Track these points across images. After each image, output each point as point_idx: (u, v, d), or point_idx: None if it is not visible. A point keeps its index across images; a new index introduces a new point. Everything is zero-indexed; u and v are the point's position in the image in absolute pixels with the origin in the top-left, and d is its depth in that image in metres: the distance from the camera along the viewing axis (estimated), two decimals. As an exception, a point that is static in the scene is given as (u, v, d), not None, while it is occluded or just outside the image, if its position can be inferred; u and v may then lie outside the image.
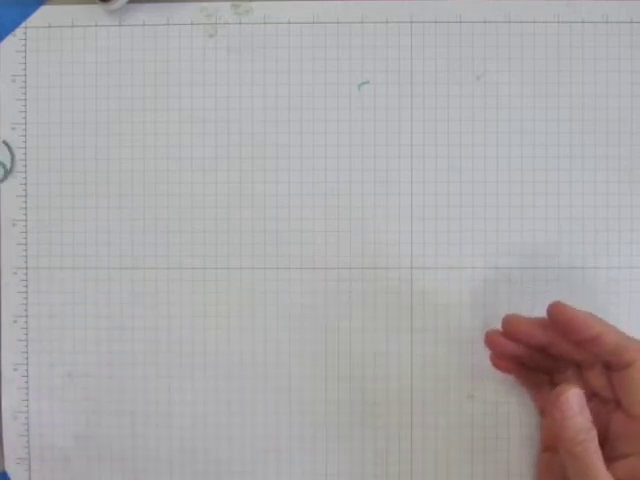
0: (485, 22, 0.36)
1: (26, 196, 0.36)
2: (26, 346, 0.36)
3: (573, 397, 0.29)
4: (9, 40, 0.36)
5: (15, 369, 0.36)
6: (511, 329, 0.33)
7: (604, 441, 0.30)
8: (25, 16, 0.36)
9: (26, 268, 0.36)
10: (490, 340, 0.33)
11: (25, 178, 0.36)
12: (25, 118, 0.36)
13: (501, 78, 0.36)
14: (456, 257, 0.36)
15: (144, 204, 0.36)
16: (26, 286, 0.36)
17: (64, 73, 0.36)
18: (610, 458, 0.29)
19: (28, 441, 0.36)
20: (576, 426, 0.28)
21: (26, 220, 0.36)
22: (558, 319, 0.31)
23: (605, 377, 0.31)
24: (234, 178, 0.36)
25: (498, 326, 0.34)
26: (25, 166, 0.36)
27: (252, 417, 0.36)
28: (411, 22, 0.36)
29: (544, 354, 0.33)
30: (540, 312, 0.35)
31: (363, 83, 0.36)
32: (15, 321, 0.36)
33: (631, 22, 0.35)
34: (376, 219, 0.36)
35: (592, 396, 0.31)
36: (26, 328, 0.36)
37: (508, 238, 0.36)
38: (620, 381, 0.30)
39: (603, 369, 0.31)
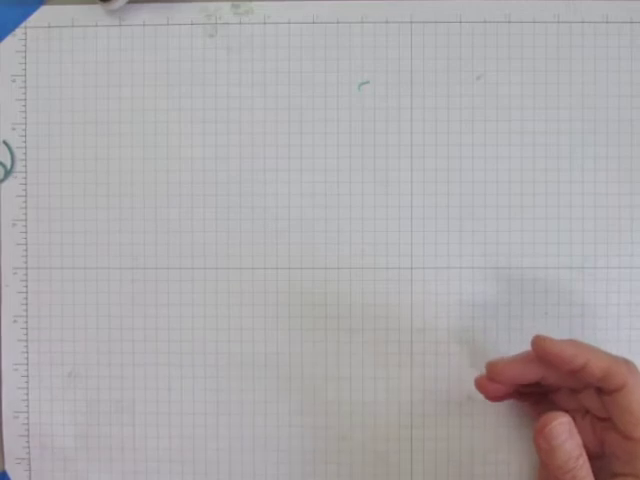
0: (485, 22, 0.36)
1: (26, 196, 0.36)
2: (26, 346, 0.36)
3: (559, 426, 0.28)
4: (9, 40, 0.36)
5: (15, 369, 0.36)
6: (498, 376, 0.32)
7: (601, 457, 0.30)
8: (25, 16, 0.36)
9: (26, 268, 0.36)
10: (480, 386, 0.33)
11: (25, 178, 0.36)
12: (25, 118, 0.36)
13: (501, 78, 0.36)
14: (456, 257, 0.36)
15: (144, 204, 0.36)
16: (26, 286, 0.36)
17: (64, 73, 0.36)
18: (606, 476, 0.29)
19: (28, 441, 0.36)
20: (564, 454, 0.28)
21: (26, 220, 0.36)
22: (541, 354, 0.30)
23: (599, 399, 0.30)
24: (234, 178, 0.36)
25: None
26: (25, 166, 0.36)
27: (252, 417, 0.36)
28: (411, 22, 0.36)
29: (536, 384, 0.32)
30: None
31: (363, 83, 0.36)
32: (15, 321, 0.36)
33: (631, 22, 0.35)
34: (376, 219, 0.36)
35: (587, 412, 0.31)
36: (26, 328, 0.36)
37: (508, 238, 0.36)
38: (612, 404, 0.29)
39: (596, 391, 0.30)
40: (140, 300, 0.36)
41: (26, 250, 0.36)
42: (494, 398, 0.33)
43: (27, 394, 0.36)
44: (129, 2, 0.36)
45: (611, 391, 0.29)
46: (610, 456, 0.30)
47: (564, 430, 0.28)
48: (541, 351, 0.30)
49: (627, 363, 0.29)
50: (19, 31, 0.36)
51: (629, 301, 0.35)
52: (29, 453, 0.36)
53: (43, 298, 0.36)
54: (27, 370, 0.36)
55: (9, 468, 0.36)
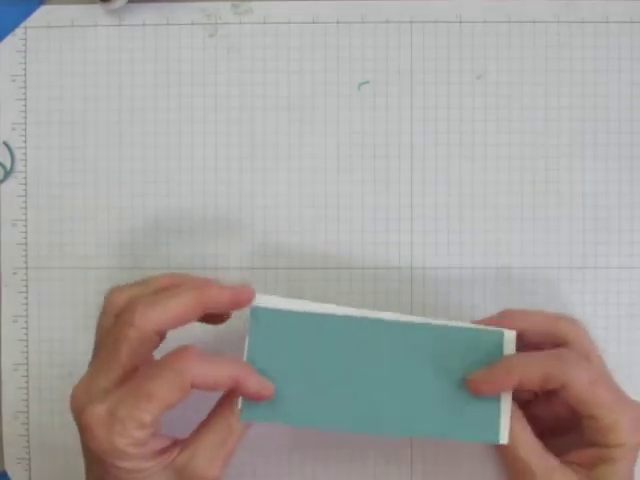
0: (485, 22, 0.36)
1: (26, 196, 0.36)
2: (26, 346, 0.36)
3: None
4: (9, 40, 0.36)
5: (15, 369, 0.36)
6: None
7: (559, 434, 0.30)
8: (25, 16, 0.36)
9: (26, 268, 0.36)
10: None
11: (25, 178, 0.36)
12: (25, 118, 0.36)
13: (501, 78, 0.36)
14: (456, 257, 0.36)
15: (144, 204, 0.36)
16: (26, 286, 0.36)
17: (64, 73, 0.36)
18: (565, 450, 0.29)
19: (28, 441, 0.36)
20: None
21: (26, 220, 0.36)
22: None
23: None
24: (234, 178, 0.36)
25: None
26: (25, 166, 0.36)
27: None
28: (411, 22, 0.36)
29: None
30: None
31: (363, 83, 0.36)
32: (15, 321, 0.36)
33: (631, 22, 0.35)
34: (376, 219, 0.36)
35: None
36: (26, 328, 0.36)
37: (508, 238, 0.36)
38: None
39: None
40: (140, 300, 0.36)
41: (26, 250, 0.36)
42: None
43: (27, 394, 0.36)
44: (129, 2, 0.36)
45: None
46: (569, 430, 0.30)
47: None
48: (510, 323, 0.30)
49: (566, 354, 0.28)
50: (19, 31, 0.36)
51: (629, 301, 0.35)
52: (29, 453, 0.36)
53: (43, 298, 0.36)
54: (27, 370, 0.36)
55: (9, 468, 0.36)
